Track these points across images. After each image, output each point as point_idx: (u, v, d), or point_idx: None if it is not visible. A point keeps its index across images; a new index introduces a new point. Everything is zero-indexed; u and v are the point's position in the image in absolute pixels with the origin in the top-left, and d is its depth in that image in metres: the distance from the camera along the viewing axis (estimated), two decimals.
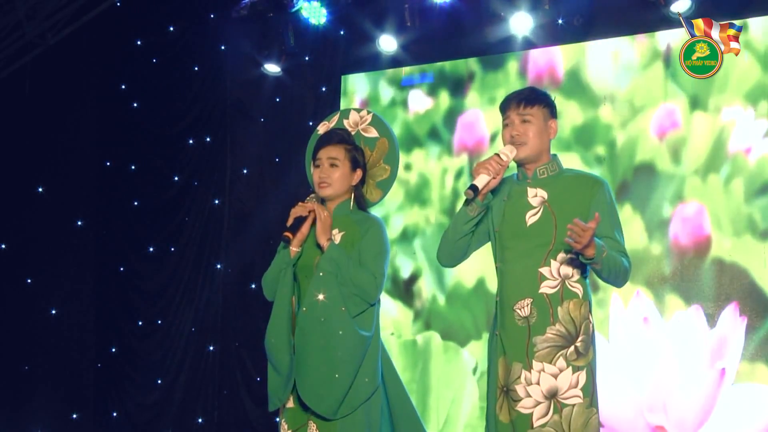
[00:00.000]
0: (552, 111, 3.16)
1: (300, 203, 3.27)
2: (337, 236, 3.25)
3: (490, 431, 3.13)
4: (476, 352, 5.74)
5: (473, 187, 3.01)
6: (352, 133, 3.42)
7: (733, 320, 5.00)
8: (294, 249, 3.24)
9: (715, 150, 5.17)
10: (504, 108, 3.16)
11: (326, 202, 3.34)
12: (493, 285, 5.34)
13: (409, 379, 5.82)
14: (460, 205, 3.20)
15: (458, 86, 6.06)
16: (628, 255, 3.06)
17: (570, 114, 5.55)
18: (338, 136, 3.34)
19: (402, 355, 5.94)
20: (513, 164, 3.18)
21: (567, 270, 3.02)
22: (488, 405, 3.14)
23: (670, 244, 5.23)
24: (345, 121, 3.49)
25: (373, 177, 3.41)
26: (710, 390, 4.95)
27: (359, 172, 3.33)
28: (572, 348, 2.96)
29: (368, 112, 3.50)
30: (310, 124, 6.34)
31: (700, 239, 5.15)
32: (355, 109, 3.54)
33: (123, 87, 7.12)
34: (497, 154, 3.06)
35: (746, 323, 4.98)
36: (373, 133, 3.44)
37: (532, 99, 3.11)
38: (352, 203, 3.34)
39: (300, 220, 3.23)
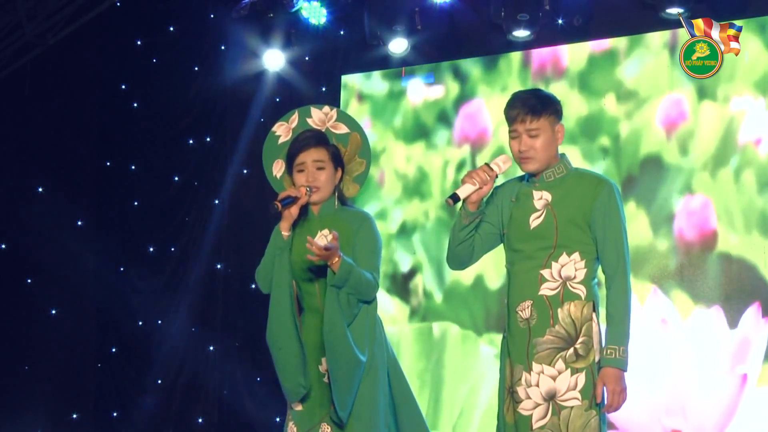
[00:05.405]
0: (559, 115, 2.94)
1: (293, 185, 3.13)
2: (328, 236, 3.05)
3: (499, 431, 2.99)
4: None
5: (454, 196, 2.94)
6: (322, 130, 3.22)
7: (755, 321, 4.62)
8: (285, 233, 3.06)
9: (724, 141, 4.84)
10: (510, 118, 2.93)
11: (311, 204, 3.17)
12: (491, 283, 5.28)
13: (423, 368, 5.54)
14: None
15: (459, 77, 5.73)
16: (626, 270, 2.83)
17: (574, 106, 5.21)
18: (318, 138, 3.16)
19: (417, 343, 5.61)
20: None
21: (569, 272, 2.83)
22: (498, 406, 2.99)
23: (675, 239, 4.89)
24: (308, 120, 3.29)
25: (349, 172, 3.29)
26: (731, 393, 4.58)
27: (340, 171, 3.19)
28: (571, 350, 2.81)
29: (331, 108, 3.32)
30: None
31: (706, 234, 4.82)
32: (315, 107, 3.32)
33: (123, 87, 6.88)
34: (487, 164, 2.95)
35: None
36: (343, 129, 3.27)
37: (538, 110, 2.88)
38: (336, 201, 3.17)
39: (291, 199, 3.05)
